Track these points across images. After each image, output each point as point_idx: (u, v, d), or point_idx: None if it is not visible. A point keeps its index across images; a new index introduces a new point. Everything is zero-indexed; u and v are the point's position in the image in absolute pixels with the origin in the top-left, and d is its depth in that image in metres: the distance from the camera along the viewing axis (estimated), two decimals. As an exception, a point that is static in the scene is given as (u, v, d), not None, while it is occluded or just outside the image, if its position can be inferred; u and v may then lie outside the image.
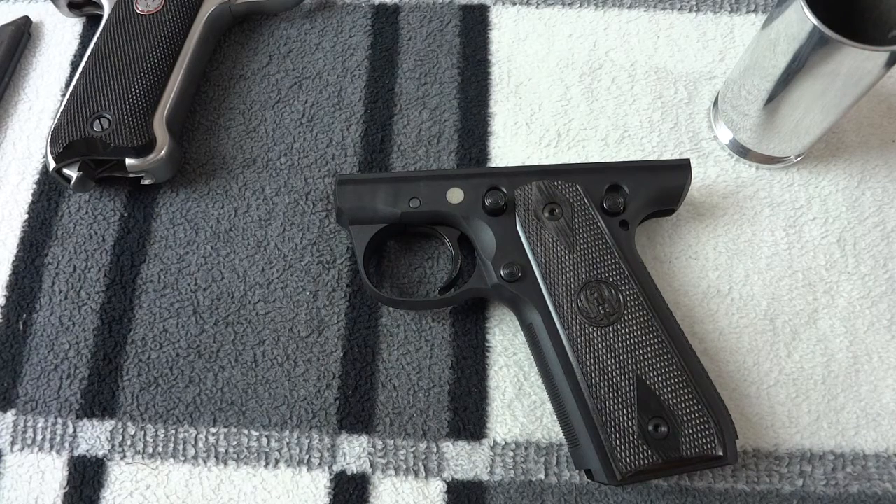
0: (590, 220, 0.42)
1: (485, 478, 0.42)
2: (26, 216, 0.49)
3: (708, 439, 0.36)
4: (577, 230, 0.41)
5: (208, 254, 0.47)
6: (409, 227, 0.45)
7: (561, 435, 0.42)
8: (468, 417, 0.43)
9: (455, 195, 0.43)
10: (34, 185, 0.50)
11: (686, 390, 0.37)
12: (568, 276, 0.40)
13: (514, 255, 0.41)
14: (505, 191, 0.43)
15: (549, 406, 0.43)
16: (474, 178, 0.43)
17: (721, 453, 0.36)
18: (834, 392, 0.43)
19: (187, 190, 0.49)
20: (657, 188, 0.43)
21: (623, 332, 0.39)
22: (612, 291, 0.40)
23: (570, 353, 0.39)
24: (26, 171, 0.50)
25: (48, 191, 0.50)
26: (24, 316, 0.46)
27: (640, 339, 0.39)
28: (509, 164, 0.50)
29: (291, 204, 0.49)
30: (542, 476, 0.41)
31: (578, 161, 0.49)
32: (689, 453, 0.36)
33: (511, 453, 0.42)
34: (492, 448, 0.42)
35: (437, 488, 0.41)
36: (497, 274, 0.41)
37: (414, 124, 0.51)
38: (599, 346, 0.39)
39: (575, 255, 0.41)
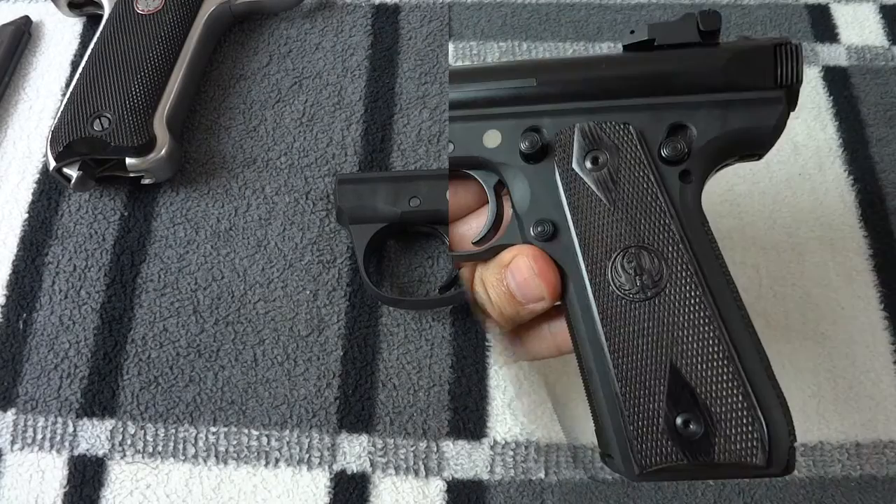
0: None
1: (485, 477, 0.42)
2: (26, 215, 0.49)
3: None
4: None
5: (208, 253, 0.47)
6: (409, 227, 0.45)
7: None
8: (468, 417, 0.43)
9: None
10: (34, 185, 0.50)
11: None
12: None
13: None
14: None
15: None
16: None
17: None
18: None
19: (187, 189, 0.49)
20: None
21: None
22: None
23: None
24: (26, 171, 0.50)
25: (48, 190, 0.49)
26: (24, 315, 0.46)
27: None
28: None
29: (291, 203, 0.49)
30: (542, 475, 0.41)
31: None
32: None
33: (511, 453, 0.42)
34: (492, 447, 0.42)
35: (437, 487, 0.41)
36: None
37: (414, 124, 0.51)
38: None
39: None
